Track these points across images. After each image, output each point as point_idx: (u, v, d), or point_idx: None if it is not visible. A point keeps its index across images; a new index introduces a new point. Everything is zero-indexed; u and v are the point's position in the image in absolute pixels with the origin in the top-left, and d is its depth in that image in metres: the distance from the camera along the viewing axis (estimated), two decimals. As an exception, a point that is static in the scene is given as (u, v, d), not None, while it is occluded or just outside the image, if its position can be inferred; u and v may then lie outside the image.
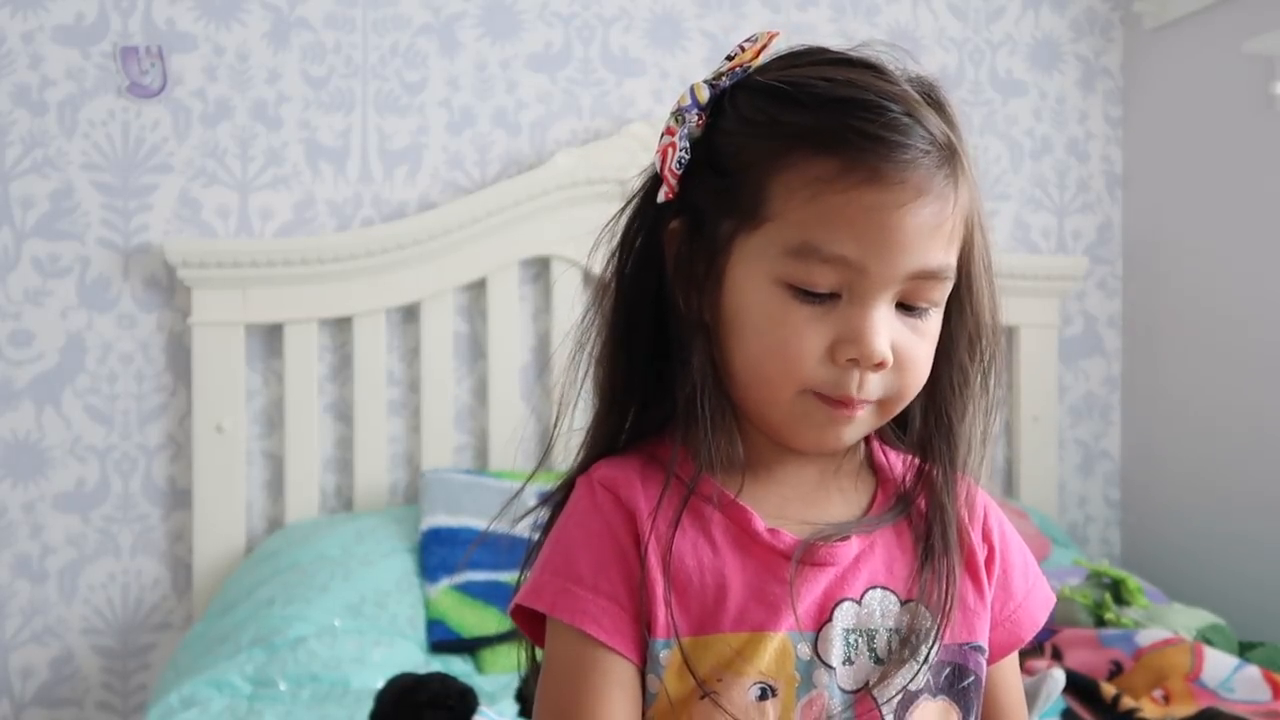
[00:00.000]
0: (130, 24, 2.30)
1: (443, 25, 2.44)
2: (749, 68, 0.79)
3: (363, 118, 2.40)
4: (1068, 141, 2.73)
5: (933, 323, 0.77)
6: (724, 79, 0.78)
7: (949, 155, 0.74)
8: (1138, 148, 2.71)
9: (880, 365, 0.74)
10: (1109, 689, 1.62)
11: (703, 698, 0.73)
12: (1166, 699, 1.64)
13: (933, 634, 0.76)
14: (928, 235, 0.73)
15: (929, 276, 0.74)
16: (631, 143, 2.38)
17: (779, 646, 0.74)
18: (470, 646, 1.91)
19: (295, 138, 2.37)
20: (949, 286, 0.77)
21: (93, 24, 2.29)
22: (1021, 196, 2.70)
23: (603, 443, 0.82)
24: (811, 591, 0.75)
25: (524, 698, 1.41)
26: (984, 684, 0.80)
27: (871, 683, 0.75)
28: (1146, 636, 1.76)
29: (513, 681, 1.65)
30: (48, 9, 2.27)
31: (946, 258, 0.75)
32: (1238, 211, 2.40)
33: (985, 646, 0.80)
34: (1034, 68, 2.70)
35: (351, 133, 2.40)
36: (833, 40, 0.80)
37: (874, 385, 0.74)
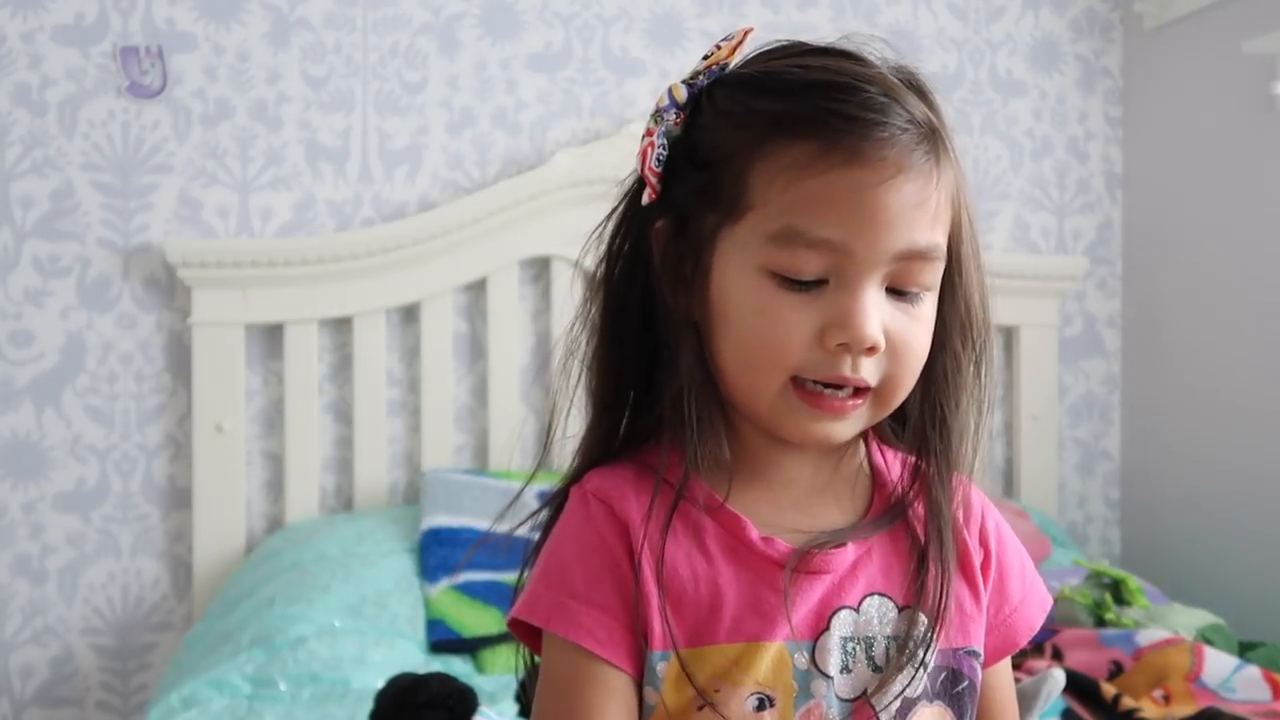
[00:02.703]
0: (130, 24, 2.30)
1: (443, 25, 2.44)
2: (726, 65, 0.78)
3: (363, 118, 2.40)
4: (1068, 141, 2.73)
5: (926, 307, 0.76)
6: (701, 77, 0.78)
7: (928, 133, 0.73)
8: (1138, 148, 2.71)
9: (872, 350, 0.73)
10: (1109, 689, 1.62)
11: (700, 709, 0.72)
12: (1167, 699, 1.64)
13: (928, 639, 0.75)
14: (911, 212, 0.72)
15: (917, 256, 0.73)
16: (631, 143, 2.37)
17: (775, 656, 0.73)
18: (470, 646, 1.91)
19: (295, 138, 2.37)
20: (940, 268, 0.76)
21: (93, 24, 2.29)
22: (1021, 196, 2.70)
23: (596, 450, 0.81)
24: (808, 600, 0.75)
25: (524, 698, 1.41)
26: (979, 688, 0.79)
27: (870, 691, 0.74)
28: (1146, 636, 1.76)
29: (513, 681, 1.65)
30: (48, 9, 2.27)
31: (933, 236, 0.74)
32: (1238, 211, 2.40)
33: (980, 651, 0.80)
34: (1034, 68, 2.70)
35: (351, 133, 2.40)
36: (827, 40, 0.79)
37: (867, 369, 0.73)
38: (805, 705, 0.73)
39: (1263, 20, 2.30)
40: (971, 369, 0.80)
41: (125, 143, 2.30)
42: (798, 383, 0.74)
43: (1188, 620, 1.89)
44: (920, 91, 0.76)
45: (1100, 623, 1.89)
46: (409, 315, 2.40)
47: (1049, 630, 1.83)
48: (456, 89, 2.44)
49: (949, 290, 0.78)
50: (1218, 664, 1.68)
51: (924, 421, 0.79)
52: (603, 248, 0.82)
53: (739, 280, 0.74)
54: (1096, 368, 2.75)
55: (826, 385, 0.74)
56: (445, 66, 2.44)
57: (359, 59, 2.40)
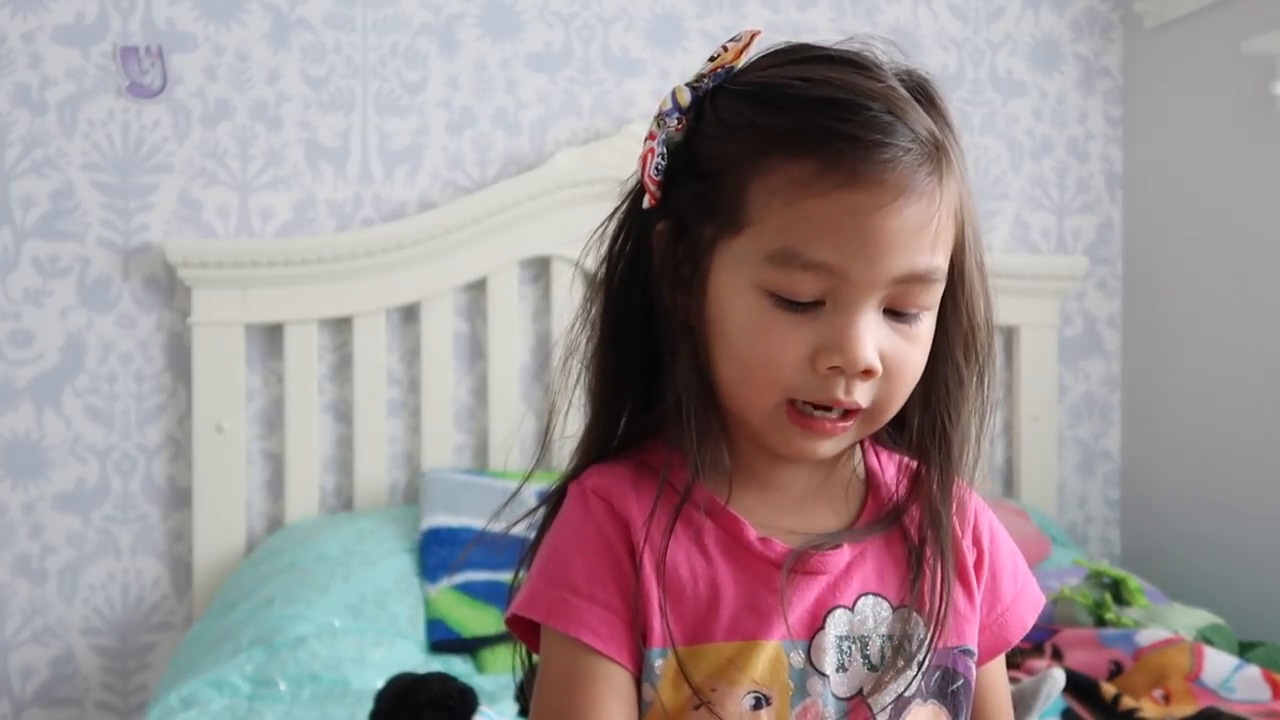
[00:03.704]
0: (130, 24, 2.30)
1: (443, 25, 2.44)
2: (731, 69, 0.77)
3: (363, 118, 2.40)
4: (1068, 141, 2.73)
5: (924, 327, 0.75)
6: (706, 81, 0.77)
7: (932, 152, 0.72)
8: (1138, 148, 2.71)
9: (867, 374, 0.72)
10: (1109, 689, 1.62)
11: (697, 707, 0.72)
12: (1166, 699, 1.64)
13: (926, 640, 0.75)
14: (912, 236, 0.71)
15: (916, 280, 0.72)
16: (631, 143, 2.38)
17: (772, 655, 0.73)
18: (470, 646, 1.91)
19: (295, 138, 2.37)
20: (939, 289, 0.75)
21: (93, 24, 2.29)
22: (1021, 196, 2.70)
23: (595, 449, 0.81)
24: (804, 600, 0.75)
25: (524, 698, 1.41)
26: (973, 686, 0.80)
27: (866, 690, 0.74)
28: (1146, 636, 1.76)
29: (512, 682, 1.64)
30: (48, 9, 2.27)
31: (933, 259, 0.72)
32: (1238, 211, 2.40)
33: (974, 650, 0.80)
34: (1034, 68, 2.70)
35: (351, 133, 2.40)
36: (832, 40, 0.78)
37: (861, 391, 0.73)
38: (801, 704, 0.74)
39: (1263, 20, 2.30)
40: (974, 380, 0.79)
41: (125, 143, 2.30)
42: (791, 403, 0.74)
43: (1188, 620, 1.89)
44: (929, 101, 0.74)
45: (1100, 622, 1.89)
46: (409, 315, 2.40)
47: (1049, 630, 1.83)
48: (456, 89, 2.44)
49: (951, 304, 0.77)
50: (1218, 664, 1.68)
51: (924, 432, 0.79)
52: (604, 249, 0.82)
53: (736, 295, 0.74)
54: (1096, 368, 2.75)
55: (818, 407, 0.73)
56: (445, 66, 2.44)
57: (359, 59, 2.40)
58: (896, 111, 0.71)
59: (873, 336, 0.72)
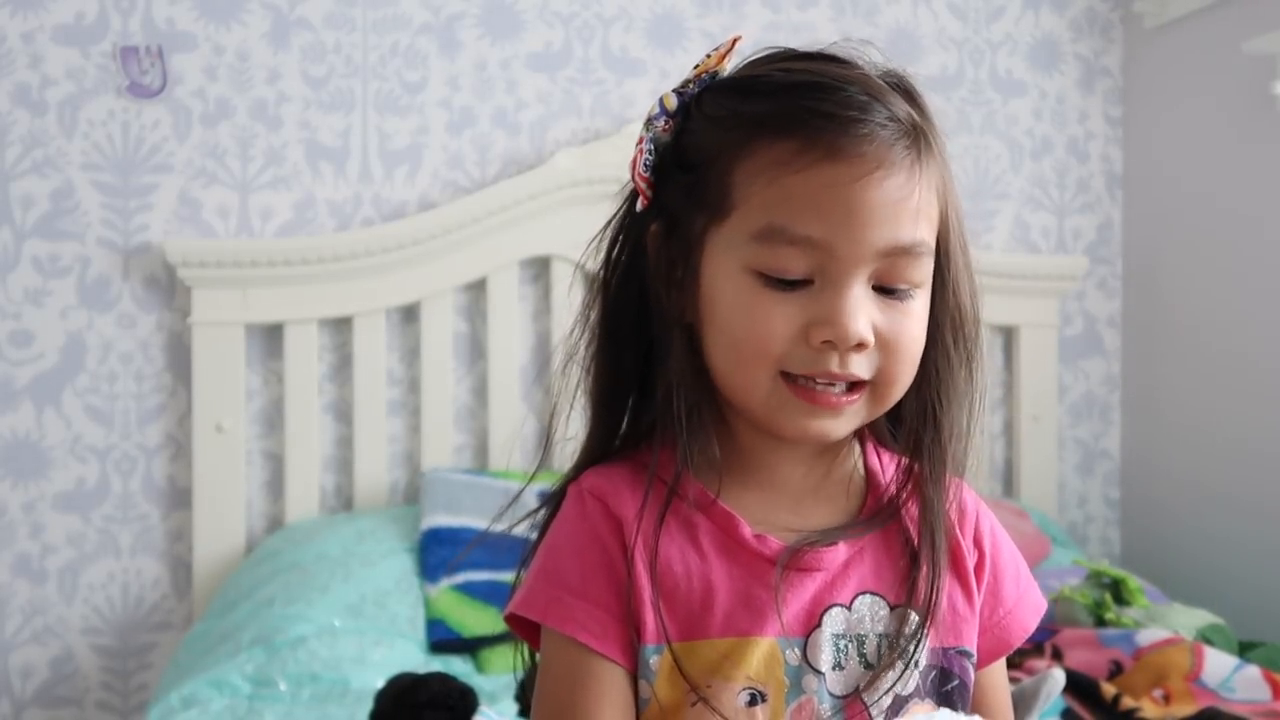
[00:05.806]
0: (130, 24, 2.30)
1: (443, 25, 2.44)
2: (716, 73, 0.80)
3: (363, 118, 2.40)
4: (1068, 141, 2.73)
5: (917, 304, 0.76)
6: (691, 86, 0.80)
7: (909, 130, 0.74)
8: (1138, 148, 2.71)
9: (860, 347, 0.73)
10: (1109, 689, 1.62)
11: (694, 704, 0.73)
12: (1166, 699, 1.64)
13: (919, 636, 0.76)
14: (893, 208, 0.72)
15: (902, 252, 0.73)
16: (631, 143, 2.37)
17: (767, 652, 0.74)
18: (470, 646, 1.91)
19: (295, 138, 2.37)
20: (928, 265, 0.76)
21: (93, 24, 2.29)
22: (1021, 196, 2.70)
23: (595, 450, 0.83)
24: (800, 597, 0.75)
25: (524, 698, 1.41)
26: (970, 688, 0.80)
27: (861, 687, 0.75)
28: (1146, 636, 1.76)
29: (512, 681, 1.65)
30: (48, 9, 2.27)
31: (917, 232, 0.74)
32: (1238, 211, 2.40)
33: (973, 651, 0.80)
34: (1034, 68, 2.70)
35: (351, 133, 2.40)
36: (825, 45, 0.81)
37: (858, 365, 0.74)
38: (797, 701, 0.74)
39: (1263, 20, 2.30)
40: (963, 365, 0.80)
41: (125, 143, 2.30)
42: (789, 378, 0.74)
43: (1188, 620, 1.89)
44: (907, 93, 0.77)
45: (1100, 622, 1.89)
46: (409, 315, 2.40)
47: (1049, 630, 1.83)
48: (456, 89, 2.44)
49: (939, 286, 0.78)
50: (1218, 664, 1.68)
51: (916, 419, 0.80)
52: (601, 254, 0.83)
53: (726, 280, 0.75)
54: (1096, 368, 2.75)
55: (817, 380, 0.74)
56: (445, 66, 2.44)
57: (359, 59, 2.40)
58: (873, 93, 0.74)
59: (864, 310, 0.73)
